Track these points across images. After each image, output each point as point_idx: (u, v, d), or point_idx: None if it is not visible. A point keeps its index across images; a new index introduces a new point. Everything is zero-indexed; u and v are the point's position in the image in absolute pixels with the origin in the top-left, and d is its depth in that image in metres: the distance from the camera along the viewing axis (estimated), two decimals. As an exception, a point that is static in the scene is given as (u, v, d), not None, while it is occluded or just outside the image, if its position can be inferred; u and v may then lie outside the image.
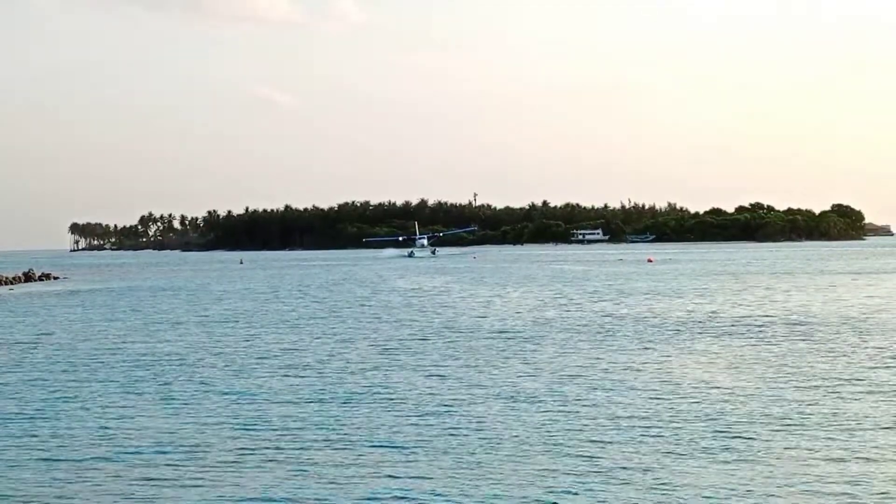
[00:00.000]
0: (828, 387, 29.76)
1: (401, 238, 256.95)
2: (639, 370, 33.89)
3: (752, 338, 43.60)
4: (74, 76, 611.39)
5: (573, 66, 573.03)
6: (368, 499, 18.40)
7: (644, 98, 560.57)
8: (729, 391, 29.16)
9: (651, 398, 28.11)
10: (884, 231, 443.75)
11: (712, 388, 29.87)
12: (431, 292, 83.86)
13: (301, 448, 22.53)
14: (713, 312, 57.31)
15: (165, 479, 19.99)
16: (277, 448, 22.57)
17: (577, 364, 35.75)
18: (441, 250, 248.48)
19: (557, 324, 52.03)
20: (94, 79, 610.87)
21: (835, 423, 24.21)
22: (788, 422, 24.52)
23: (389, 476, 19.86)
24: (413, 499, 18.33)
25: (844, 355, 37.03)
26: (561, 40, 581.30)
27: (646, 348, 40.37)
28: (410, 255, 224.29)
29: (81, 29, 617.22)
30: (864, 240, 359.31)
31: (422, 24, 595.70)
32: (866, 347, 39.31)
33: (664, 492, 18.44)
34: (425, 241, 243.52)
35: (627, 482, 19.10)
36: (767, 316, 54.38)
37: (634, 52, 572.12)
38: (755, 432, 23.31)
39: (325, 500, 18.42)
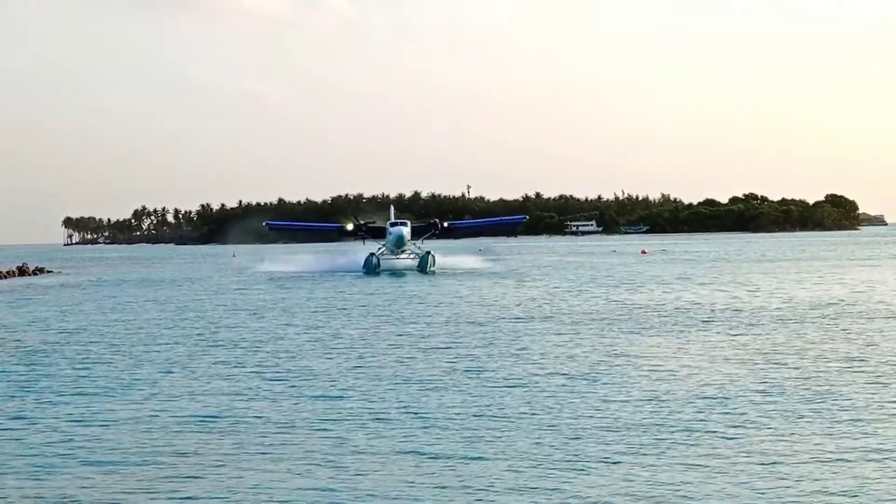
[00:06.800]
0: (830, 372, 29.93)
1: (350, 227, 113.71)
2: (632, 360, 34.02)
3: (751, 327, 43.77)
4: (64, 71, 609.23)
5: (566, 59, 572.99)
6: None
7: (637, 89, 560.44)
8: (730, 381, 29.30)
9: (645, 388, 28.25)
10: (878, 221, 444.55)
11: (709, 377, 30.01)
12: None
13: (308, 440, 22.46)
14: (713, 303, 57.47)
15: (168, 477, 20.02)
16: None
17: (578, 355, 35.83)
18: (435, 245, 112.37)
19: (553, 316, 52.11)
20: (83, 74, 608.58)
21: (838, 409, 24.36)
22: (784, 409, 24.68)
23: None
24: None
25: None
26: (554, 34, 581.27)
27: (641, 337, 40.50)
28: (371, 270, 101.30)
29: (69, 24, 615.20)
30: (858, 230, 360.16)
31: (413, 19, 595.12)
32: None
33: (659, 485, 18.55)
34: (405, 231, 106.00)
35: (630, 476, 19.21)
36: (755, 306, 54.57)
37: (627, 45, 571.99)
38: (760, 425, 23.46)
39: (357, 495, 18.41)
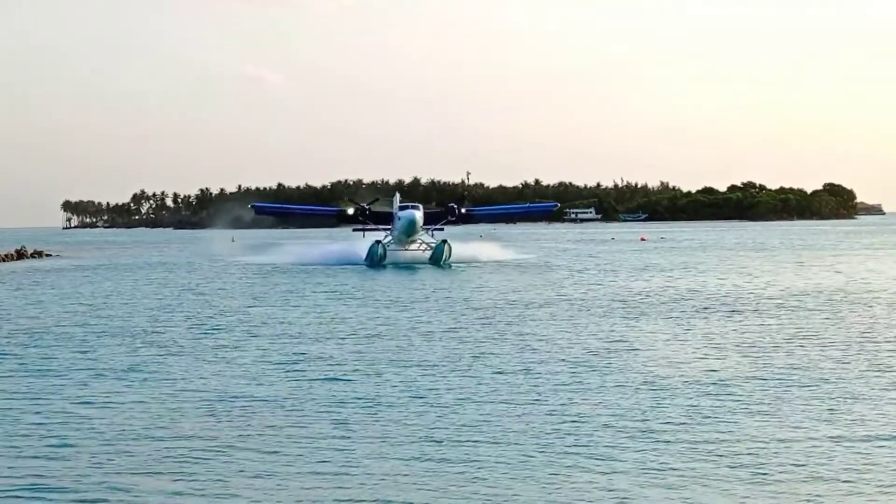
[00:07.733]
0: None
1: (350, 210, 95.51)
2: (632, 346, 34.25)
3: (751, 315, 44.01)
4: (63, 54, 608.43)
5: (566, 46, 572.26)
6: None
7: (636, 77, 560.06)
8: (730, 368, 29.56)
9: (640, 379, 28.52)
10: (875, 210, 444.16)
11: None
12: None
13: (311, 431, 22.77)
14: (709, 290, 57.72)
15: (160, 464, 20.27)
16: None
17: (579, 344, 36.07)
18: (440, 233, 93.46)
19: (553, 303, 52.35)
20: (82, 57, 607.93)
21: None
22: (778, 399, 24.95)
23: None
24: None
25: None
26: (554, 22, 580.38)
27: (637, 325, 40.75)
28: (375, 262, 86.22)
29: (68, 7, 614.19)
30: (855, 219, 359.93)
31: (413, 4, 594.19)
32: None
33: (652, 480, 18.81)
34: (418, 216, 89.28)
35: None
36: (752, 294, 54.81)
37: (626, 34, 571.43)
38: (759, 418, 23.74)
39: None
